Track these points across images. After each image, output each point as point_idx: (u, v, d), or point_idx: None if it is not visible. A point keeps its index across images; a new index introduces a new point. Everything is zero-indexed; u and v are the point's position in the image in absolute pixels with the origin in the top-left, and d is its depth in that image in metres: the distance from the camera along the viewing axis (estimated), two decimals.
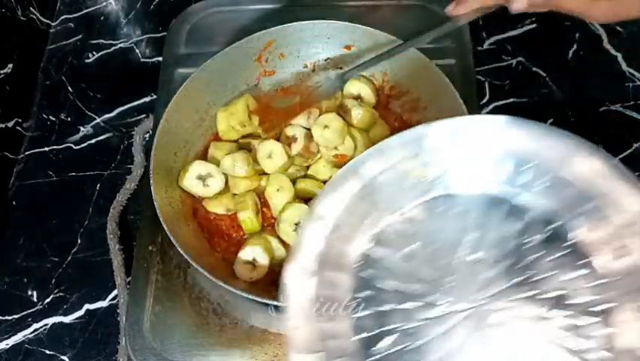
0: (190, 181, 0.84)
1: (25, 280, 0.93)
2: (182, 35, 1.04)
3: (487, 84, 1.08)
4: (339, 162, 0.86)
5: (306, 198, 0.84)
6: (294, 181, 0.85)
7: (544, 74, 1.09)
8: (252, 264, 0.79)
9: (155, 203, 0.77)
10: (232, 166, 0.83)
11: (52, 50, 1.16)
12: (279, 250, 0.81)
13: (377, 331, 0.58)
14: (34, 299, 0.92)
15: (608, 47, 1.11)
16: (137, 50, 1.15)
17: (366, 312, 0.59)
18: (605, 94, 1.07)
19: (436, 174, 0.66)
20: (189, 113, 0.88)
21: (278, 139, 0.86)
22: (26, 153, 1.05)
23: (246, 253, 0.79)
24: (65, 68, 1.13)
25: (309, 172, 0.87)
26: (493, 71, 1.10)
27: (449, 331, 0.58)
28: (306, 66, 0.95)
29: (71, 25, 1.19)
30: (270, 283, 0.79)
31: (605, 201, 0.60)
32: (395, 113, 0.92)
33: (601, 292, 0.58)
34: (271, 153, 0.84)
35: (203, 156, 0.89)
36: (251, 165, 0.84)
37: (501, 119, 0.65)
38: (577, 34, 1.12)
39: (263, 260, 0.79)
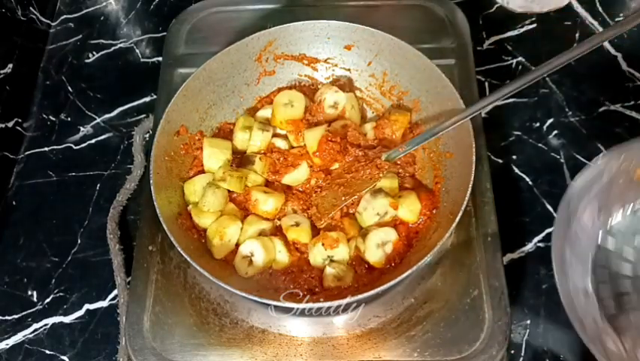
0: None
1: (25, 280, 0.93)
2: (182, 35, 1.04)
3: (487, 84, 1.08)
4: None
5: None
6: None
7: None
8: (249, 259, 0.79)
9: (155, 203, 0.77)
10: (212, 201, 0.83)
11: (52, 50, 1.16)
12: (281, 254, 0.81)
13: None
14: (34, 299, 0.92)
15: (608, 46, 1.11)
16: (137, 50, 1.15)
17: None
18: (605, 94, 1.07)
19: None
20: (189, 113, 0.88)
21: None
22: (26, 153, 1.05)
23: (245, 247, 0.80)
24: (65, 68, 1.13)
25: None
26: (493, 71, 1.10)
27: None
28: (307, 64, 0.95)
29: (71, 25, 1.19)
30: (272, 289, 0.79)
31: None
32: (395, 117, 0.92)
33: None
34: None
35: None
36: (226, 199, 0.84)
37: None
38: (577, 34, 1.12)
39: (259, 255, 0.79)
